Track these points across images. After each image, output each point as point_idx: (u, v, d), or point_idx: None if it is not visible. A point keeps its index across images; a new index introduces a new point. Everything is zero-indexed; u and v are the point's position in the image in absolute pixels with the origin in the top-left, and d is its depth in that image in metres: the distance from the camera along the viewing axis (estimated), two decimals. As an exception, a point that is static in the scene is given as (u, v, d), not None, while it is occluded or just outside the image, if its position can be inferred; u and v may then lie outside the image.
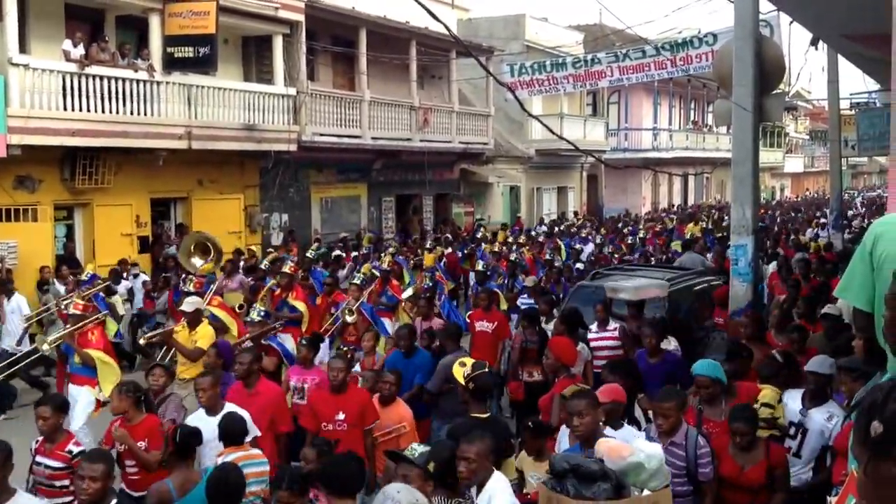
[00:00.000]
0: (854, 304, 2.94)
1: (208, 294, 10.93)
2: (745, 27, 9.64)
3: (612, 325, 8.92)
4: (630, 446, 4.08)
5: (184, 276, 12.34)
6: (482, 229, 23.24)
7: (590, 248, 20.39)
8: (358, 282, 11.71)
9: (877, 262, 2.79)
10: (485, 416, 5.98)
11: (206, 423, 5.89)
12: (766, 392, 6.04)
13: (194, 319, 8.69)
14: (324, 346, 9.34)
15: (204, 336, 8.53)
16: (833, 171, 21.34)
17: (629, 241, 21.64)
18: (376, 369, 7.89)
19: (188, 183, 17.49)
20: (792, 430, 5.84)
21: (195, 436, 5.43)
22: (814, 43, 16.83)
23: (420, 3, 7.40)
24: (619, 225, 28.04)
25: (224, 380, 6.88)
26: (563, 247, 19.47)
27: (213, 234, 14.73)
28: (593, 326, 8.89)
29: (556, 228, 25.14)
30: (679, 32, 19.55)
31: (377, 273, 13.12)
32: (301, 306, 11.11)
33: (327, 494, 4.36)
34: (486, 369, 6.40)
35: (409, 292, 12.31)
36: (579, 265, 16.21)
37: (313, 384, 7.27)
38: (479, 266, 14.98)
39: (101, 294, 11.60)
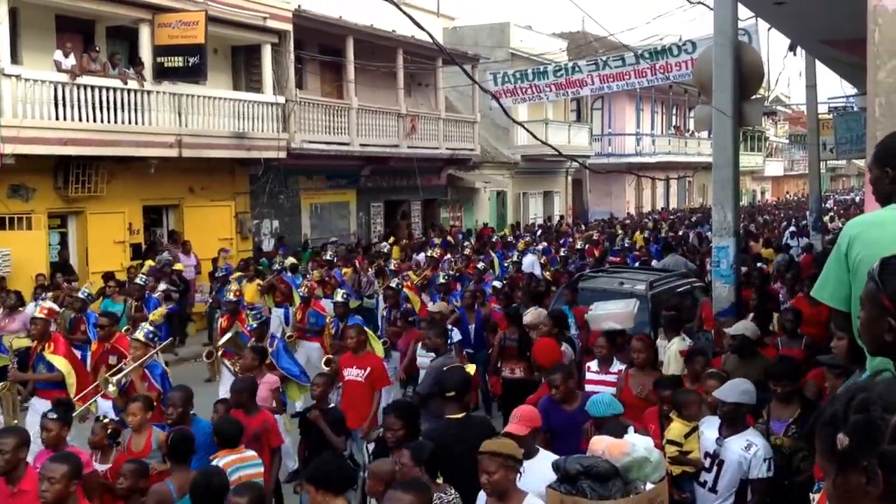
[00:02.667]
0: (830, 304, 2.98)
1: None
2: (725, 34, 9.87)
3: (617, 366, 7.36)
4: (626, 442, 4.11)
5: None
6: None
7: (529, 259, 17.98)
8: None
9: (852, 263, 2.83)
10: (459, 416, 5.61)
11: None
12: (674, 426, 5.46)
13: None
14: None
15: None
16: (812, 174, 21.67)
17: (562, 253, 18.90)
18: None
19: (180, 190, 17.64)
20: (707, 462, 5.23)
21: (188, 440, 5.55)
22: (792, 48, 17.15)
23: (405, 13, 7.63)
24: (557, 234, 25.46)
25: None
26: (496, 259, 18.23)
27: (205, 240, 15.06)
28: (593, 364, 7.50)
29: (496, 237, 23.35)
30: (661, 39, 19.84)
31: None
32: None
33: (316, 491, 4.32)
34: (458, 367, 6.43)
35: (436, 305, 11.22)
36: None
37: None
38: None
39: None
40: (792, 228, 25.51)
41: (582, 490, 3.75)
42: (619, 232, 25.03)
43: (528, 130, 14.19)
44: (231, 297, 10.84)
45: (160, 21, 16.07)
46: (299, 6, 19.35)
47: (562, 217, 32.46)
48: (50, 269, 14.23)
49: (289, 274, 15.05)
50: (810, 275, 10.92)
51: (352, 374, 7.98)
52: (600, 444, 4.10)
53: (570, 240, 22.60)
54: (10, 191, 14.45)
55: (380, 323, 12.59)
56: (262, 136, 18.27)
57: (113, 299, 12.34)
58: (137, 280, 12.67)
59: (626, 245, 21.12)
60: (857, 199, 47.19)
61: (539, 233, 25.29)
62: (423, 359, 8.80)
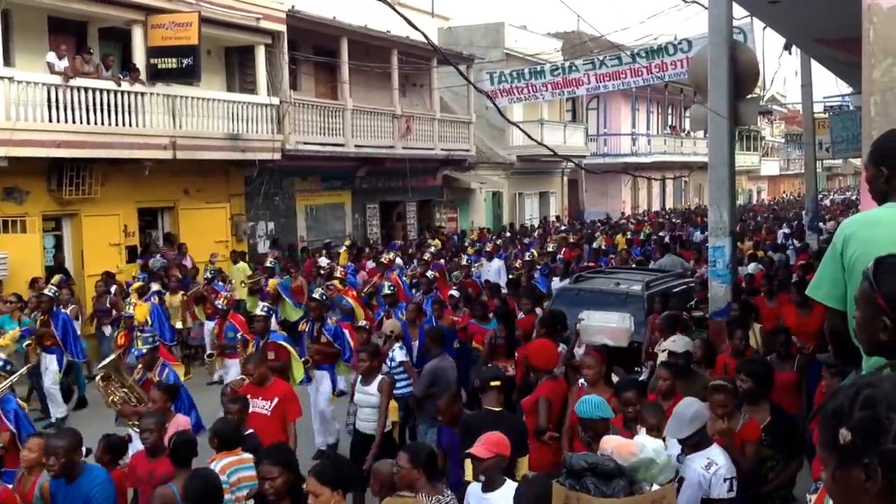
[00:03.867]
0: (826, 303, 2.98)
1: None
2: (720, 33, 9.88)
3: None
4: (636, 443, 4.14)
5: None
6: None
7: (495, 265, 16.80)
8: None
9: (848, 262, 2.83)
10: (497, 409, 6.01)
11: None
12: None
13: None
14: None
15: None
16: (808, 173, 21.73)
17: (526, 258, 17.40)
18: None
19: (174, 192, 17.60)
20: None
21: (190, 443, 5.54)
22: (787, 48, 17.19)
23: (399, 14, 7.60)
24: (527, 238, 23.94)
25: None
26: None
27: (200, 242, 15.02)
28: (583, 381, 6.75)
29: (466, 241, 22.24)
30: (655, 39, 19.85)
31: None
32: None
33: (320, 485, 4.27)
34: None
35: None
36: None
37: None
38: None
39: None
40: (785, 230, 25.04)
41: (586, 486, 3.78)
42: (597, 235, 23.84)
43: (523, 131, 14.13)
44: (132, 310, 10.00)
45: (153, 22, 16.03)
46: (293, 7, 19.31)
47: (545, 219, 32.11)
48: (45, 273, 14.17)
49: (220, 283, 14.07)
50: (797, 281, 10.49)
51: (257, 406, 6.83)
52: (610, 444, 4.10)
53: (535, 245, 20.75)
54: (4, 193, 14.41)
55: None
56: (256, 137, 18.23)
57: (11, 315, 11.12)
58: (46, 291, 11.38)
59: (602, 248, 19.97)
60: (854, 197, 47.30)
61: (508, 236, 23.77)
62: (360, 395, 7.47)
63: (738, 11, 11.38)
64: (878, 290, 2.13)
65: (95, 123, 14.75)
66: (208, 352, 10.37)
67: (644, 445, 4.08)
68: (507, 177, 30.49)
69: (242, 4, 17.88)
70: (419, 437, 8.08)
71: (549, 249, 18.58)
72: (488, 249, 18.03)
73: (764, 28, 14.99)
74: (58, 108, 14.16)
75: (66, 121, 14.30)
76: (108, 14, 15.74)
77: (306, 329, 10.03)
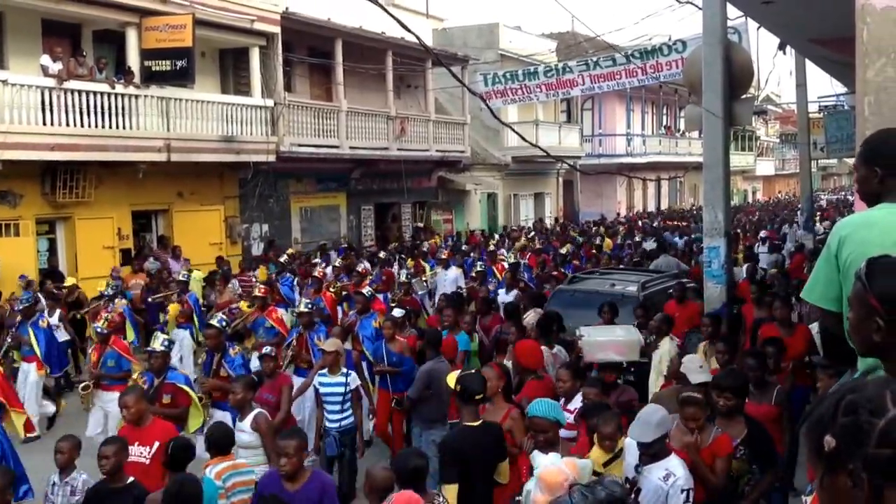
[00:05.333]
0: (821, 305, 2.95)
1: None
2: (714, 34, 9.89)
3: (577, 401, 6.34)
4: (561, 469, 3.98)
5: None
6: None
7: (452, 274, 15.22)
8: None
9: (843, 264, 2.80)
10: (476, 423, 5.55)
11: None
12: (592, 454, 5.10)
13: None
14: None
15: None
16: (803, 173, 21.75)
17: (479, 269, 14.74)
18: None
19: (168, 195, 17.57)
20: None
21: (186, 449, 5.54)
22: (781, 48, 17.19)
23: (393, 16, 7.59)
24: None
25: None
26: (428, 270, 16.35)
27: (195, 245, 14.80)
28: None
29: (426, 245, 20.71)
30: (650, 39, 19.86)
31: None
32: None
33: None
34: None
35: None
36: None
37: None
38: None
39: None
40: (763, 233, 23.15)
41: None
42: (577, 237, 22.68)
43: (517, 133, 14.15)
44: (103, 325, 9.23)
45: (147, 24, 16.02)
46: (287, 8, 19.29)
47: (540, 220, 31.98)
48: (39, 276, 14.14)
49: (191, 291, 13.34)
50: (783, 296, 9.31)
51: (133, 453, 5.88)
52: (541, 482, 3.84)
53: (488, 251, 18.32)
54: (-2, 197, 14.39)
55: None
56: (250, 139, 18.21)
57: None
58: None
59: (569, 253, 18.26)
60: (849, 197, 47.37)
61: (465, 242, 21.94)
62: (236, 431, 6.54)
63: (733, 12, 11.39)
64: (870, 291, 2.12)
65: (89, 126, 14.74)
66: (84, 382, 9.04)
67: (566, 470, 3.92)
68: (502, 178, 30.49)
69: (236, 6, 17.86)
70: (413, 439, 8.06)
71: (511, 259, 16.11)
72: (443, 256, 16.36)
73: (758, 28, 15.01)
74: (52, 110, 14.15)
75: (60, 123, 14.28)
76: (102, 16, 15.73)
77: (204, 361, 8.55)
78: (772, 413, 6.13)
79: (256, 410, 6.63)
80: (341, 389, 7.54)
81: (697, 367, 6.09)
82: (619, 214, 36.42)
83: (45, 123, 14.07)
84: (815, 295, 2.97)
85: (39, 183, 14.87)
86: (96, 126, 14.86)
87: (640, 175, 33.03)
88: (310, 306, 10.10)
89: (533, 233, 24.48)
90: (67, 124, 14.39)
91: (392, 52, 22.57)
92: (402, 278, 13.88)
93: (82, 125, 14.62)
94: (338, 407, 7.52)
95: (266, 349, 7.92)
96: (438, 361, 8.06)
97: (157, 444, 5.92)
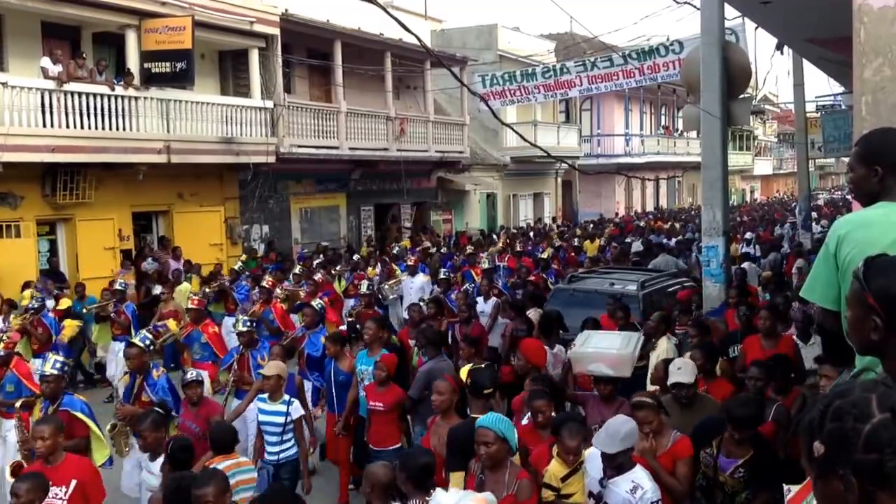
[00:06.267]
0: (820, 304, 2.96)
1: None
2: (712, 34, 9.95)
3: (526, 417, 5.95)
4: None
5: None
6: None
7: (419, 281, 14.17)
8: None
9: (842, 263, 2.80)
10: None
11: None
12: (552, 467, 4.88)
13: None
14: None
15: None
16: (801, 172, 21.81)
17: (442, 276, 13.41)
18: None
19: (169, 196, 17.60)
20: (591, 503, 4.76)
21: (186, 449, 5.57)
22: (779, 48, 17.24)
23: (392, 17, 7.62)
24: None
25: None
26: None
27: (195, 246, 14.57)
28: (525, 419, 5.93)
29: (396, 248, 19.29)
30: (647, 40, 19.90)
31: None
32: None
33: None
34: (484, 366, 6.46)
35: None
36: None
37: None
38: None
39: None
40: (749, 234, 22.43)
41: None
42: (556, 239, 21.82)
43: (516, 132, 14.18)
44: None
45: (147, 26, 16.04)
46: (286, 10, 19.33)
47: (539, 219, 32.04)
48: (40, 277, 14.14)
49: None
50: (770, 304, 8.75)
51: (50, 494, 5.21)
52: None
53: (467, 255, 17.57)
54: (-2, 199, 14.41)
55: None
56: (250, 140, 18.23)
57: None
58: None
59: (550, 257, 17.02)
60: (846, 196, 47.37)
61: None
62: (144, 473, 6.18)
63: (730, 12, 11.47)
64: (867, 290, 2.13)
65: (89, 128, 14.75)
66: None
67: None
68: (502, 178, 30.54)
69: (236, 8, 17.89)
70: (414, 439, 8.07)
71: (485, 264, 15.06)
72: (409, 262, 15.08)
73: (756, 28, 15.07)
74: (52, 112, 14.16)
75: (60, 125, 14.30)
76: (102, 19, 15.74)
77: (140, 381, 7.43)
78: (767, 430, 5.74)
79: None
80: (281, 419, 6.81)
81: (676, 369, 5.95)
82: (617, 214, 36.48)
83: (45, 125, 14.08)
84: (816, 295, 2.97)
85: (40, 184, 14.89)
86: (96, 128, 14.87)
87: (638, 175, 33.09)
88: (249, 324, 9.11)
89: (514, 233, 23.90)
90: (67, 126, 14.41)
91: (391, 54, 22.60)
92: (363, 288, 12.59)
93: (82, 127, 14.63)
94: (277, 438, 6.84)
95: (190, 374, 7.07)
96: (439, 361, 8.07)
97: (73, 482, 5.23)
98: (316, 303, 10.26)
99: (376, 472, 4.70)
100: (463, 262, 16.48)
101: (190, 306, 10.22)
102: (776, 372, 6.17)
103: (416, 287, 14.01)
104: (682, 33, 20.94)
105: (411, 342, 9.22)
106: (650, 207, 41.23)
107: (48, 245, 15.53)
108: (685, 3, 14.00)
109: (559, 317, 8.86)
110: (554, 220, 32.75)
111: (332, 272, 14.77)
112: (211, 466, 5.55)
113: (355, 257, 17.17)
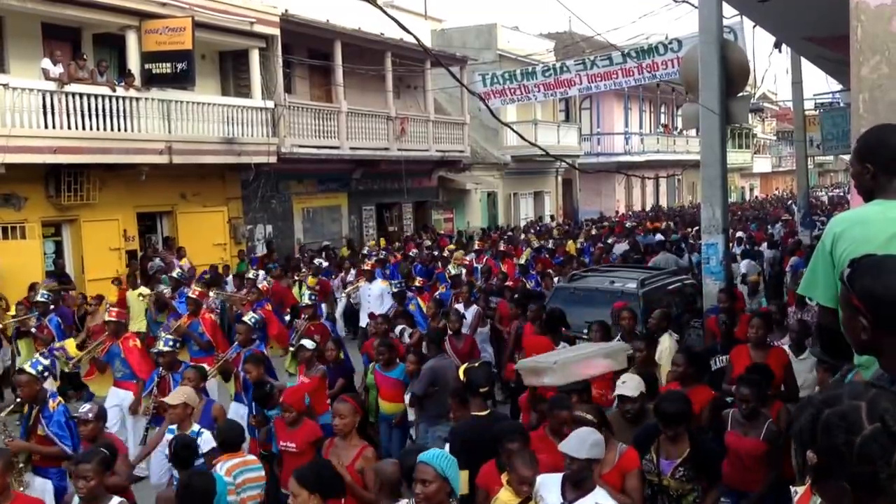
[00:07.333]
0: (819, 301, 2.98)
1: None
2: (710, 32, 9.96)
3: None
4: None
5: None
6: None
7: (377, 287, 13.08)
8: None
9: (838, 261, 2.82)
10: (484, 413, 5.82)
11: None
12: (501, 497, 4.63)
13: None
14: None
15: None
16: (799, 170, 21.83)
17: (394, 288, 12.17)
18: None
19: (172, 197, 17.66)
20: None
21: (188, 447, 5.62)
22: (777, 46, 17.28)
23: (391, 17, 7.67)
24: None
25: None
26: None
27: (199, 246, 14.44)
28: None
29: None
30: (646, 38, 19.93)
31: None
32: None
33: (299, 486, 4.26)
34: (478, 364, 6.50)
35: None
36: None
37: None
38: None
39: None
40: (740, 233, 21.10)
41: None
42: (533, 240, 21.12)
43: (516, 132, 14.21)
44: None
45: (147, 27, 16.09)
46: (286, 10, 19.38)
47: (540, 218, 31.91)
48: (46, 278, 14.19)
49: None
50: (761, 312, 8.30)
51: None
52: None
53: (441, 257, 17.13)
54: (2, 200, 14.46)
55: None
56: (251, 141, 18.28)
57: None
58: None
59: (528, 261, 16.56)
60: (841, 194, 47.43)
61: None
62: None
63: (728, 10, 11.48)
64: (853, 291, 2.15)
65: (91, 129, 14.80)
66: None
67: None
68: (502, 177, 30.59)
69: (236, 9, 17.94)
70: (420, 436, 8.12)
71: (452, 271, 14.35)
72: (367, 266, 14.27)
73: (754, 27, 15.09)
74: (53, 114, 14.21)
75: (62, 126, 14.36)
76: (103, 20, 15.79)
77: (55, 409, 6.47)
78: (758, 448, 5.46)
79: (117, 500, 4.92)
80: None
81: (621, 383, 5.75)
82: (617, 212, 36.52)
83: (47, 126, 14.14)
84: (819, 293, 2.98)
85: (43, 186, 14.94)
86: (98, 129, 14.92)
87: (638, 173, 33.14)
88: (171, 343, 8.27)
89: (494, 235, 23.16)
90: (69, 127, 14.46)
91: (391, 53, 22.65)
92: (306, 300, 11.15)
93: (84, 128, 14.69)
94: None
95: (83, 409, 6.06)
96: (442, 358, 8.13)
97: None
98: (249, 317, 9.11)
99: (385, 470, 4.71)
100: (431, 269, 15.94)
101: (108, 318, 9.09)
102: (763, 386, 5.74)
103: (374, 294, 13.02)
104: (681, 32, 20.97)
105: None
106: (650, 206, 41.26)
107: (54, 246, 15.59)
108: (683, 1, 14.04)
109: (562, 315, 8.91)
110: (552, 217, 32.81)
111: (296, 277, 14.43)
112: (218, 465, 5.62)
113: (316, 261, 16.33)
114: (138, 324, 11.75)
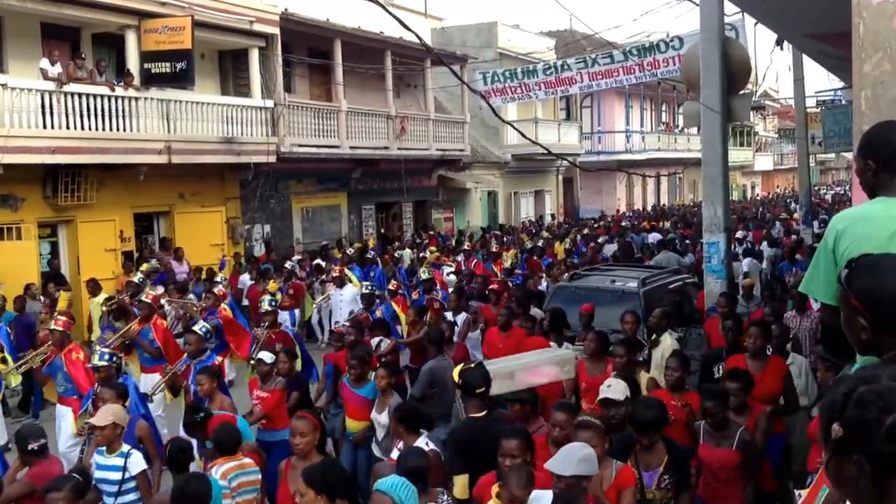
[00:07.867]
0: (820, 299, 2.99)
1: None
2: (711, 30, 9.94)
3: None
4: None
5: None
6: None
7: (349, 292, 12.99)
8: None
9: (840, 259, 2.81)
10: (481, 414, 5.63)
11: None
12: None
13: None
14: None
15: None
16: (801, 168, 21.79)
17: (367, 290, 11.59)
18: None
19: (170, 197, 17.60)
20: None
21: (183, 451, 5.58)
22: (778, 43, 17.23)
23: (392, 15, 7.64)
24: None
25: None
26: (354, 278, 14.09)
27: (197, 246, 14.37)
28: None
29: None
30: (647, 36, 19.89)
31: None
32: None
33: (306, 486, 4.23)
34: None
35: None
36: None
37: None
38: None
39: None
40: (740, 233, 20.90)
41: None
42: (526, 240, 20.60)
43: (517, 130, 14.19)
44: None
45: (146, 27, 16.04)
46: (286, 9, 19.33)
47: (540, 217, 31.76)
48: (42, 279, 14.18)
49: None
50: (760, 321, 7.59)
51: None
52: None
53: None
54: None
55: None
56: (251, 140, 18.24)
57: None
58: None
59: (514, 263, 16.15)
60: (842, 191, 47.36)
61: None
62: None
63: (730, 8, 11.43)
64: (850, 291, 2.15)
65: (90, 129, 14.75)
66: None
67: None
68: (503, 176, 30.54)
69: (235, 8, 17.89)
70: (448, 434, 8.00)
71: (425, 275, 13.60)
72: (335, 273, 13.81)
73: (755, 24, 15.05)
74: (52, 114, 14.15)
75: (61, 126, 14.30)
76: (102, 19, 15.74)
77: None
78: (731, 460, 5.32)
79: None
80: (117, 475, 5.70)
81: (606, 387, 5.52)
82: (618, 211, 36.47)
83: (45, 127, 14.08)
84: (818, 290, 2.98)
85: (41, 186, 14.89)
86: (97, 129, 14.86)
87: (639, 172, 33.12)
88: (106, 357, 7.51)
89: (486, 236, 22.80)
90: (68, 127, 14.41)
91: (391, 52, 22.61)
92: (266, 305, 10.13)
93: (83, 128, 14.63)
94: (111, 500, 5.70)
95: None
96: (441, 359, 8.09)
97: None
98: (199, 326, 8.43)
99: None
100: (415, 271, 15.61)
101: (53, 327, 8.47)
102: (726, 397, 5.56)
103: (346, 300, 12.77)
104: (682, 29, 20.95)
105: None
106: (651, 204, 41.22)
107: (49, 247, 15.55)
108: (684, -1, 13.96)
109: (562, 314, 8.87)
110: (553, 216, 32.75)
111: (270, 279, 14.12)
112: (214, 468, 5.57)
113: (288, 265, 15.98)
114: (97, 333, 11.17)
